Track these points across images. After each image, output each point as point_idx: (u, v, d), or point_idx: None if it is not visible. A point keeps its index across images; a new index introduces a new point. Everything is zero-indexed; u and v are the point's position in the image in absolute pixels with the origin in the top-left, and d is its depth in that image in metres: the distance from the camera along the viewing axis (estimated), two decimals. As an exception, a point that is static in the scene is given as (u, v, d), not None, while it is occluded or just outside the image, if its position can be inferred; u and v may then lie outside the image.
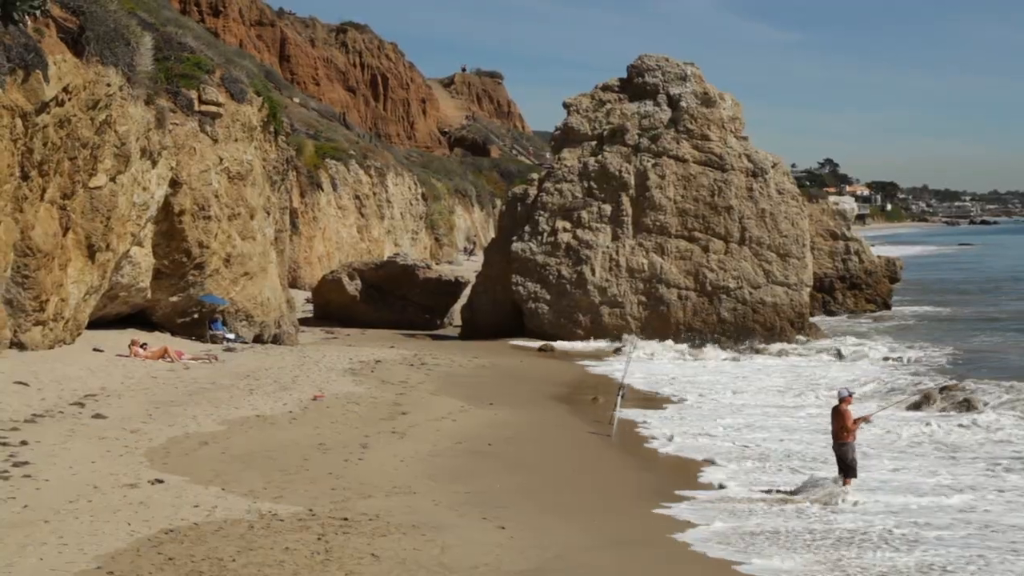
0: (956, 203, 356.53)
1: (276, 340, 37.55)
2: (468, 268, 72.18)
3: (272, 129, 38.30)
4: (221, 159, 33.99)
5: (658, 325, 44.20)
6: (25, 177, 24.28)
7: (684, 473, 19.11)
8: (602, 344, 42.34)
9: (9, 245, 24.15)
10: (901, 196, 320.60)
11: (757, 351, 41.17)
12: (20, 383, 21.84)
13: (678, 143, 46.41)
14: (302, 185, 62.41)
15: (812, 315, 48.23)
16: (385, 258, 57.59)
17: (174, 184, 31.83)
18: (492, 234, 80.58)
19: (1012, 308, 57.91)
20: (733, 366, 37.32)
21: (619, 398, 23.89)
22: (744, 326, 43.90)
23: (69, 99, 25.30)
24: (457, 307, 50.84)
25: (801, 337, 43.13)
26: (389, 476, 16.92)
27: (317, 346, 38.20)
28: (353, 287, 48.92)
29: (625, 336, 42.50)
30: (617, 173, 46.19)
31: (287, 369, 29.12)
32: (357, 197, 71.10)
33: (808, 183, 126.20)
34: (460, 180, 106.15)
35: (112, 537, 12.43)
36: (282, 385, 25.85)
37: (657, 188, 45.63)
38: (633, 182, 46.04)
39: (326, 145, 72.36)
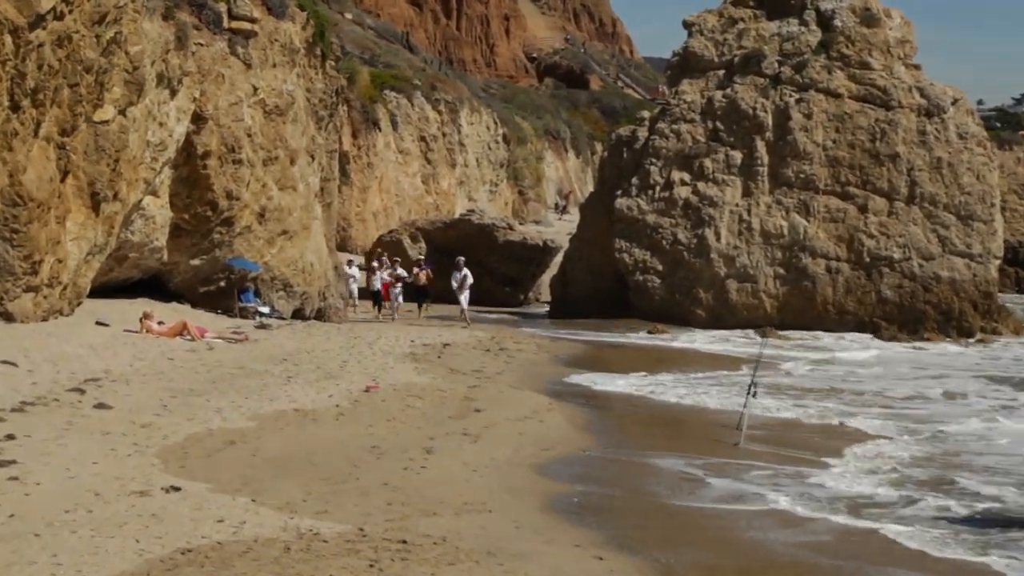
0: None
1: (320, 315, 37.80)
2: (560, 229, 71.82)
3: (319, 52, 38.43)
4: (255, 89, 34.19)
5: (800, 306, 43.79)
6: (15, 108, 24.60)
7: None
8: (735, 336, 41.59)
9: (-4, 193, 24.55)
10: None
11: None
12: (6, 363, 22.20)
13: (830, 73, 45.75)
14: (355, 123, 62.70)
15: (1001, 294, 47.33)
16: (457, 215, 57.70)
17: (197, 119, 32.09)
18: (590, 187, 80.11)
19: None
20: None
21: (748, 395, 23.56)
22: (912, 308, 43.27)
23: (70, 11, 25.55)
24: (546, 278, 50.79)
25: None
26: (459, 489, 16.86)
27: (370, 324, 38.38)
28: (416, 251, 49.15)
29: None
30: (750, 111, 45.66)
31: (333, 352, 29.29)
32: (423, 139, 71.29)
33: (999, 125, 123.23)
34: (551, 119, 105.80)
35: (117, 557, 12.52)
36: (327, 372, 25.98)
37: (802, 130, 45.05)
38: (771, 123, 45.52)
39: (385, 73, 72.58)
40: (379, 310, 42.14)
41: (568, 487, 17.87)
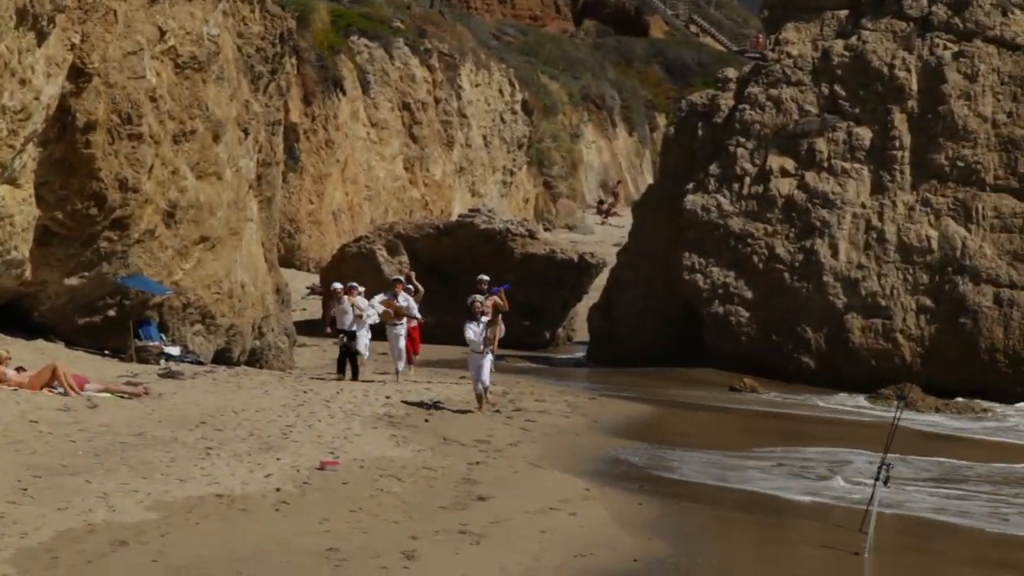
0: None
1: (255, 359, 37.80)
2: (604, 238, 71.95)
3: (256, -22, 38.60)
4: (162, 32, 34.25)
5: (955, 354, 43.70)
6: None
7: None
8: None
9: None
10: None
11: None
12: None
13: (1005, 15, 46.08)
14: (308, 83, 62.89)
15: None
16: (454, 217, 57.71)
17: (77, 76, 32.10)
18: (649, 178, 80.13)
19: None
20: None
21: (877, 482, 23.54)
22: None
23: None
24: (583, 309, 50.81)
25: None
26: (453, 613, 16.85)
27: (327, 372, 38.38)
28: (395, 266, 49.12)
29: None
30: (885, 69, 45.73)
31: (274, 412, 29.31)
32: (406, 107, 71.48)
33: None
34: (593, 79, 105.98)
35: None
36: (264, 441, 25.98)
37: (961, 98, 45.15)
38: (915, 87, 45.58)
39: (352, 11, 72.84)
40: (352, 371, 36.36)
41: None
